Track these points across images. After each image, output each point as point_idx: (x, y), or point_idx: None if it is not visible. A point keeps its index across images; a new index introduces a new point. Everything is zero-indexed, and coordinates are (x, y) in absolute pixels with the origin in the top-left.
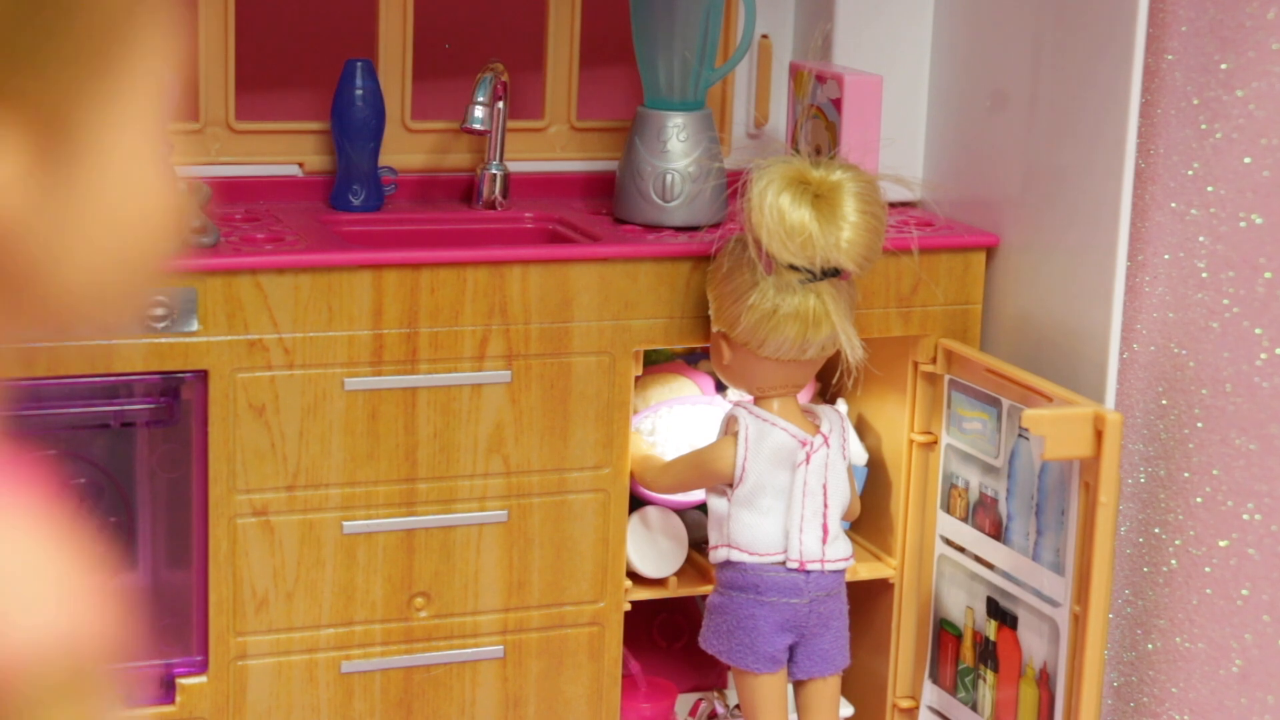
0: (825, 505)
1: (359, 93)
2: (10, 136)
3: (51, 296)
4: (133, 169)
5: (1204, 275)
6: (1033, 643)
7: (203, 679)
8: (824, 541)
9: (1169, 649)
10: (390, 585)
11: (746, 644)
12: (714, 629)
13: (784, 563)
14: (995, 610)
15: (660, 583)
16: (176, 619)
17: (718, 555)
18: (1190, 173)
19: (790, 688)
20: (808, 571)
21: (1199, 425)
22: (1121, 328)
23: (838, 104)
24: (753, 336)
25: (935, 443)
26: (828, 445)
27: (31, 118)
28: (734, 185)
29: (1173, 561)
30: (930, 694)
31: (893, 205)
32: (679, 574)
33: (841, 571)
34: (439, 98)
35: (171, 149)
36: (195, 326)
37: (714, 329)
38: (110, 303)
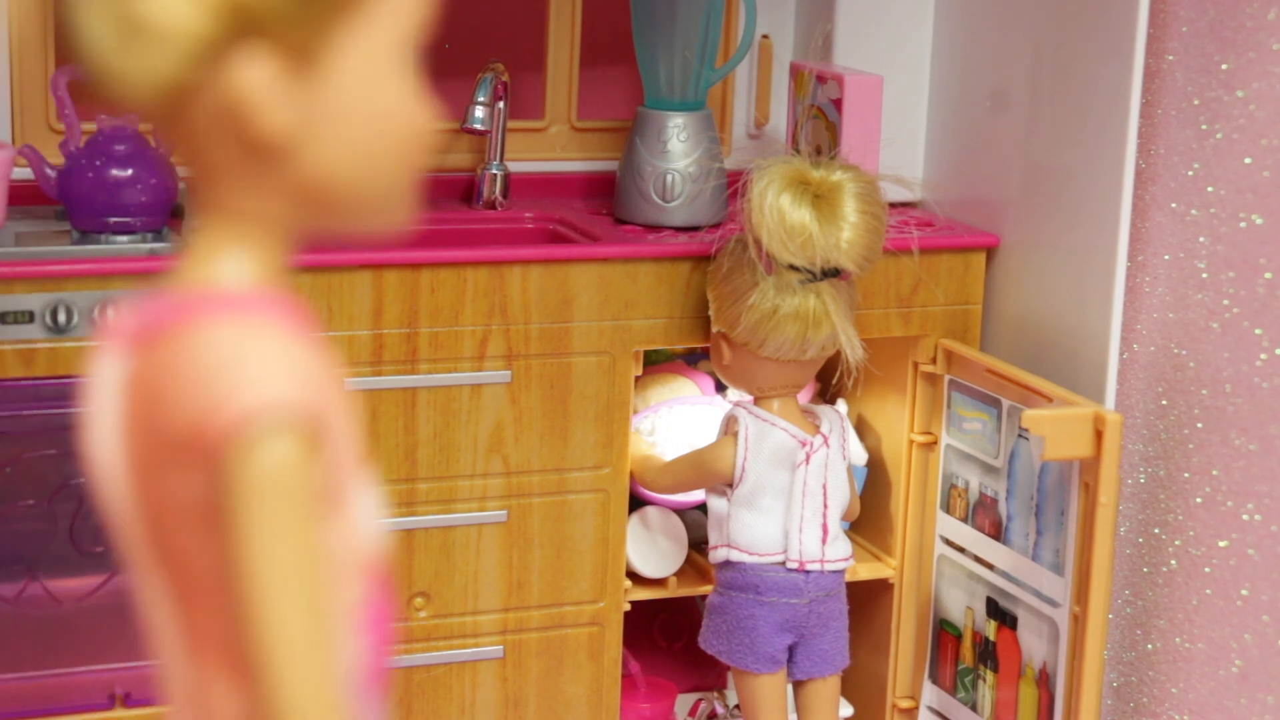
0: (825, 505)
1: None
2: (264, 52)
3: (323, 188)
4: (376, 86)
5: (1204, 276)
6: (1032, 643)
7: None
8: (824, 541)
9: (1169, 649)
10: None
11: (746, 644)
12: (714, 629)
13: (784, 563)
14: (995, 610)
15: (660, 583)
16: None
17: (717, 555)
18: (1190, 173)
19: (790, 688)
20: (807, 571)
21: (1199, 425)
22: (1121, 328)
23: (838, 104)
24: (753, 336)
25: (935, 443)
26: (827, 445)
27: (286, 38)
28: (734, 185)
29: (1172, 562)
30: (930, 694)
31: (893, 205)
32: (679, 574)
33: (841, 571)
34: (439, 98)
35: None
36: None
37: (714, 329)
38: (372, 200)
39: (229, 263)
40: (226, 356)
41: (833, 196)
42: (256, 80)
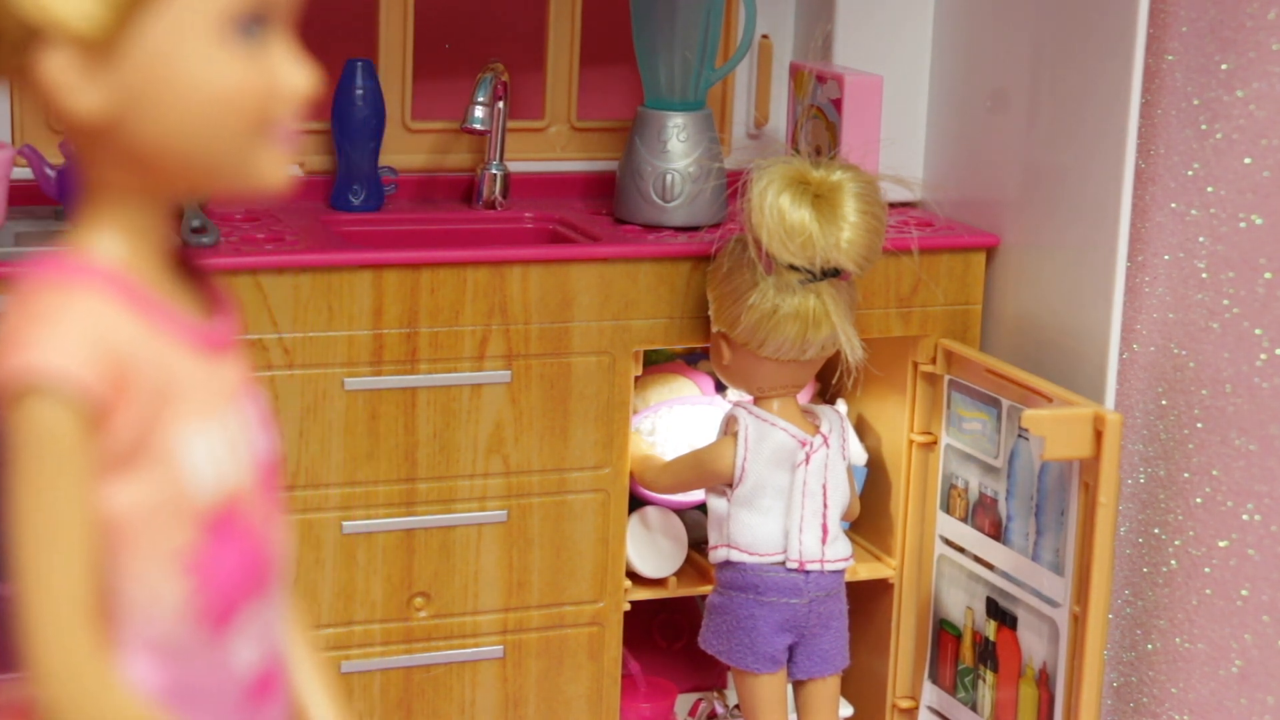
0: (825, 505)
1: (359, 93)
2: (62, 40)
3: (158, 157)
4: (187, 59)
5: (1204, 276)
6: (1032, 643)
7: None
8: (824, 541)
9: (1169, 649)
10: (390, 585)
11: (746, 644)
12: (714, 629)
13: (784, 563)
14: (995, 610)
15: (660, 583)
16: None
17: (717, 555)
18: (1190, 173)
19: (790, 688)
20: (807, 572)
21: (1199, 426)
22: (1121, 328)
23: (838, 104)
24: (753, 336)
25: (935, 443)
26: (827, 445)
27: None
28: (734, 185)
29: (1172, 562)
30: (930, 694)
31: (893, 205)
32: (679, 574)
33: (841, 572)
34: (439, 98)
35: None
36: None
37: (714, 329)
38: (216, 163)
39: (93, 232)
40: (35, 317)
41: (833, 196)
42: (59, 68)
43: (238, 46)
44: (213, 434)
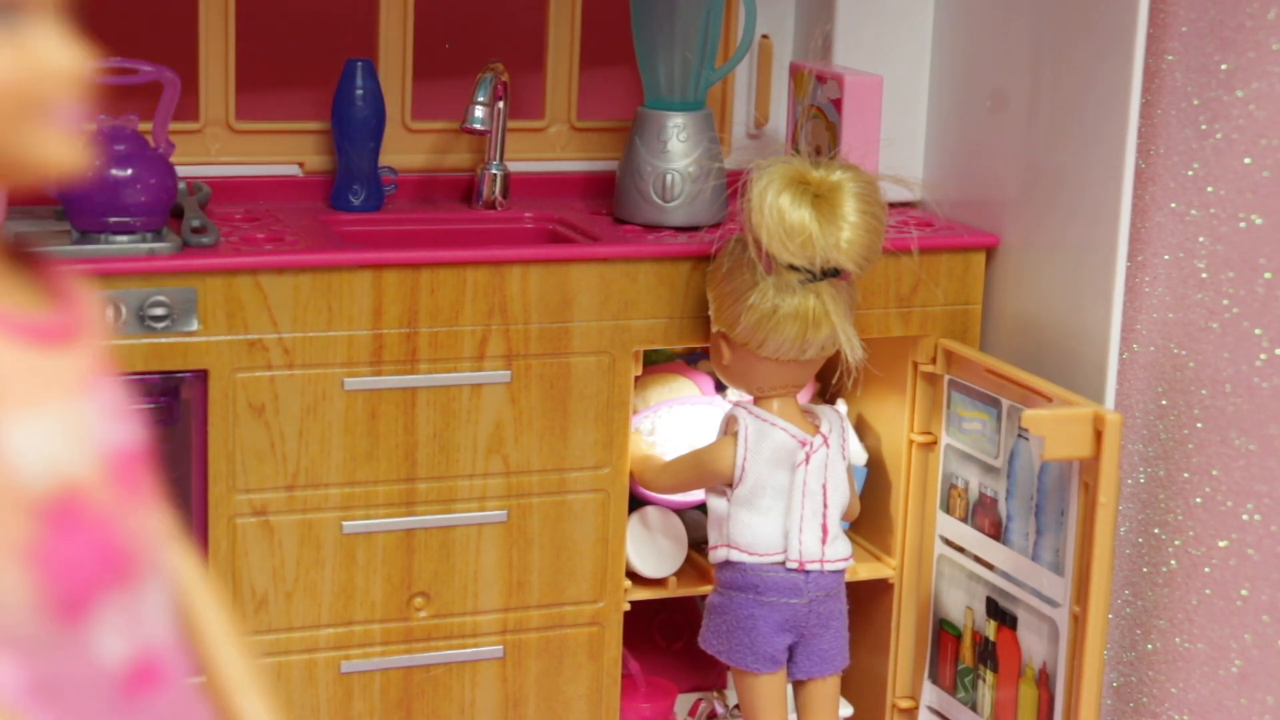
0: (825, 505)
1: (359, 93)
2: None
3: None
4: None
5: (1204, 275)
6: (1032, 643)
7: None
8: (823, 541)
9: (1169, 649)
10: (390, 585)
11: (746, 644)
12: (714, 629)
13: (783, 563)
14: (995, 610)
15: (660, 583)
16: None
17: (717, 555)
18: (1190, 173)
19: (790, 688)
20: (807, 571)
21: (1199, 426)
22: (1121, 328)
23: (838, 104)
24: (752, 336)
25: (935, 443)
26: (827, 445)
27: None
28: (734, 185)
29: (1172, 562)
30: (930, 694)
31: (893, 205)
32: (679, 574)
33: (841, 571)
34: (439, 98)
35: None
36: (195, 326)
37: (714, 329)
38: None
39: None
40: None
41: (832, 196)
42: None
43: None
44: (44, 424)
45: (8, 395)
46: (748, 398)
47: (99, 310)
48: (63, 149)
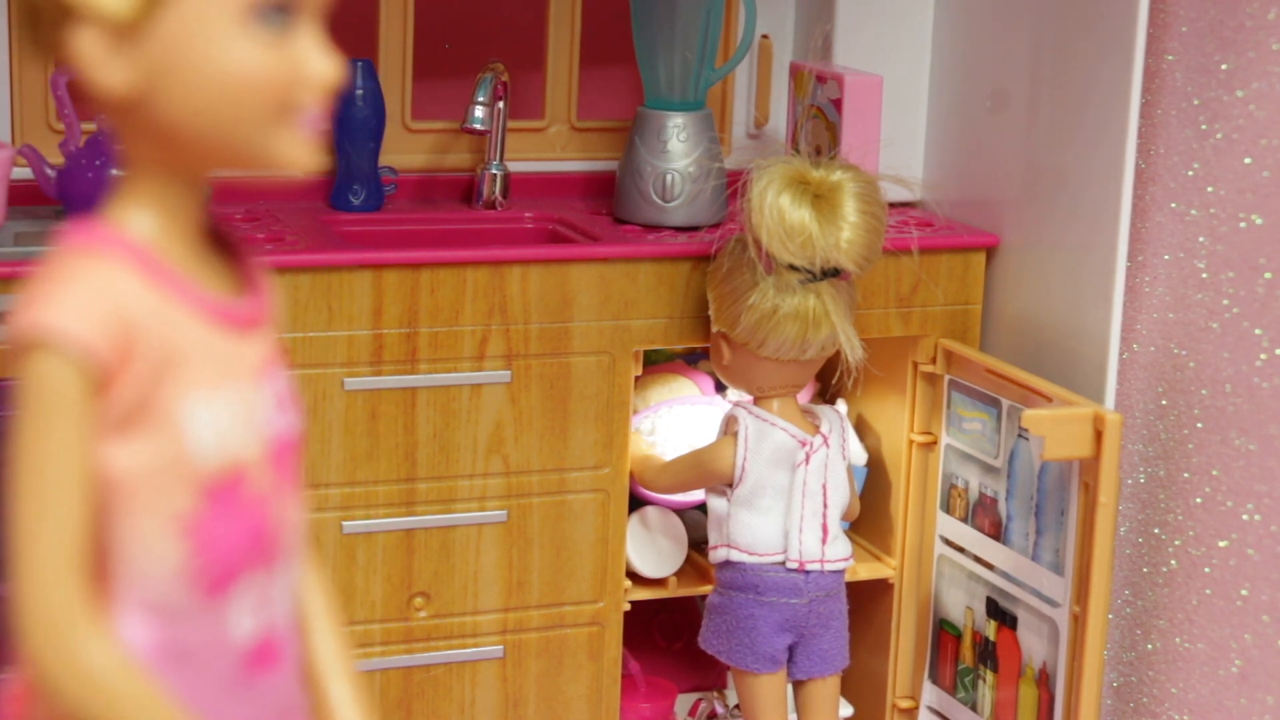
0: (825, 505)
1: (359, 93)
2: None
3: (182, 134)
4: (211, 42)
5: (1204, 275)
6: (1032, 643)
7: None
8: (824, 541)
9: (1169, 649)
10: (390, 585)
11: (746, 644)
12: (714, 629)
13: (784, 563)
14: (995, 610)
15: (660, 583)
16: None
17: (717, 555)
18: (1190, 173)
19: (790, 688)
20: (807, 572)
21: (1199, 426)
22: (1121, 328)
23: (838, 104)
24: (752, 336)
25: (935, 443)
26: (827, 445)
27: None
28: (734, 185)
29: (1172, 562)
30: (930, 694)
31: (893, 205)
32: (679, 574)
33: (841, 571)
34: (439, 98)
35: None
36: None
37: (714, 329)
38: (238, 142)
39: (125, 205)
40: (52, 280)
41: (832, 196)
42: (87, 46)
43: (259, 33)
44: (220, 405)
45: (193, 375)
46: (748, 398)
47: (279, 301)
48: (302, 151)
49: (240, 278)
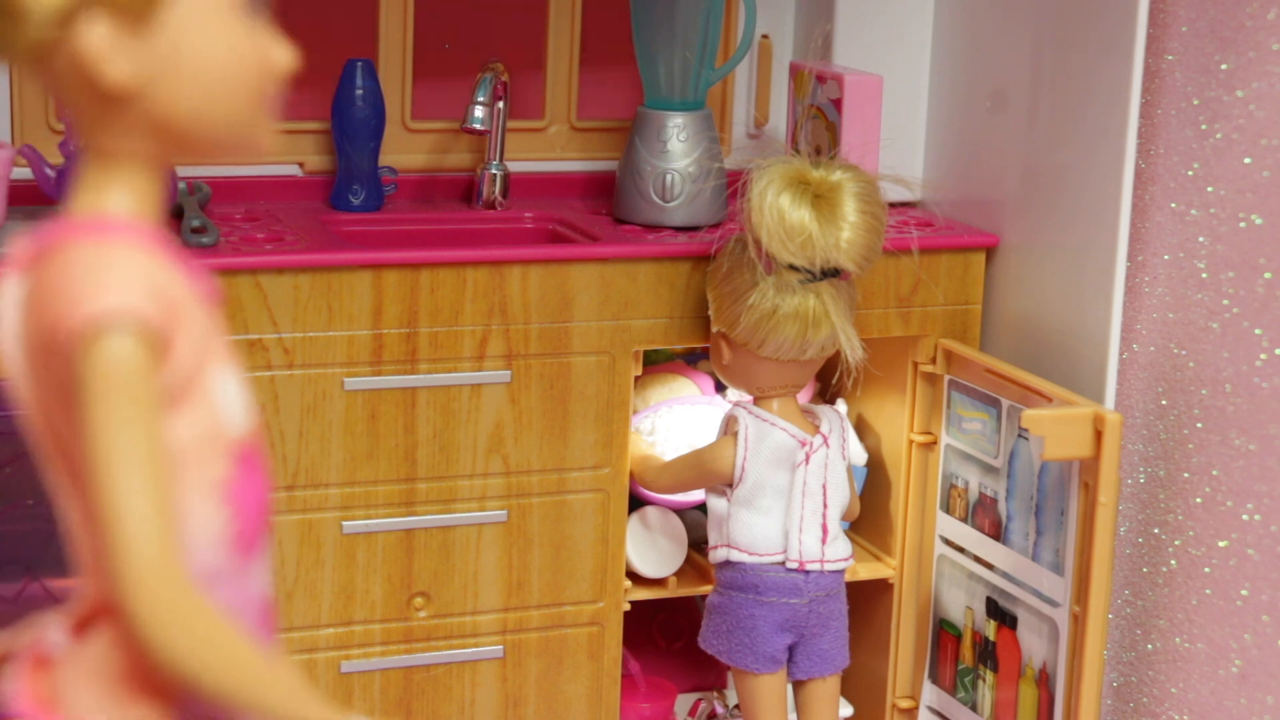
0: (825, 505)
1: (359, 93)
2: (103, 14)
3: (174, 126)
4: (211, 35)
5: (1204, 275)
6: (1032, 643)
7: None
8: (823, 542)
9: (1169, 649)
10: (390, 585)
11: (746, 644)
12: (714, 629)
13: (783, 563)
14: (995, 610)
15: (660, 583)
16: None
17: (717, 555)
18: (1190, 173)
19: (790, 688)
20: (807, 572)
21: (1199, 425)
22: (1121, 328)
23: (838, 104)
24: (752, 336)
25: (935, 443)
26: (827, 445)
27: (120, 2)
28: (734, 185)
29: (1172, 562)
30: (930, 694)
31: (893, 205)
32: (679, 574)
33: (841, 572)
34: (439, 98)
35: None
36: None
37: (714, 329)
38: (222, 132)
39: (104, 195)
40: (86, 269)
41: (832, 196)
42: (97, 38)
43: (243, 25)
44: (232, 376)
45: (214, 349)
46: (748, 398)
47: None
48: (270, 133)
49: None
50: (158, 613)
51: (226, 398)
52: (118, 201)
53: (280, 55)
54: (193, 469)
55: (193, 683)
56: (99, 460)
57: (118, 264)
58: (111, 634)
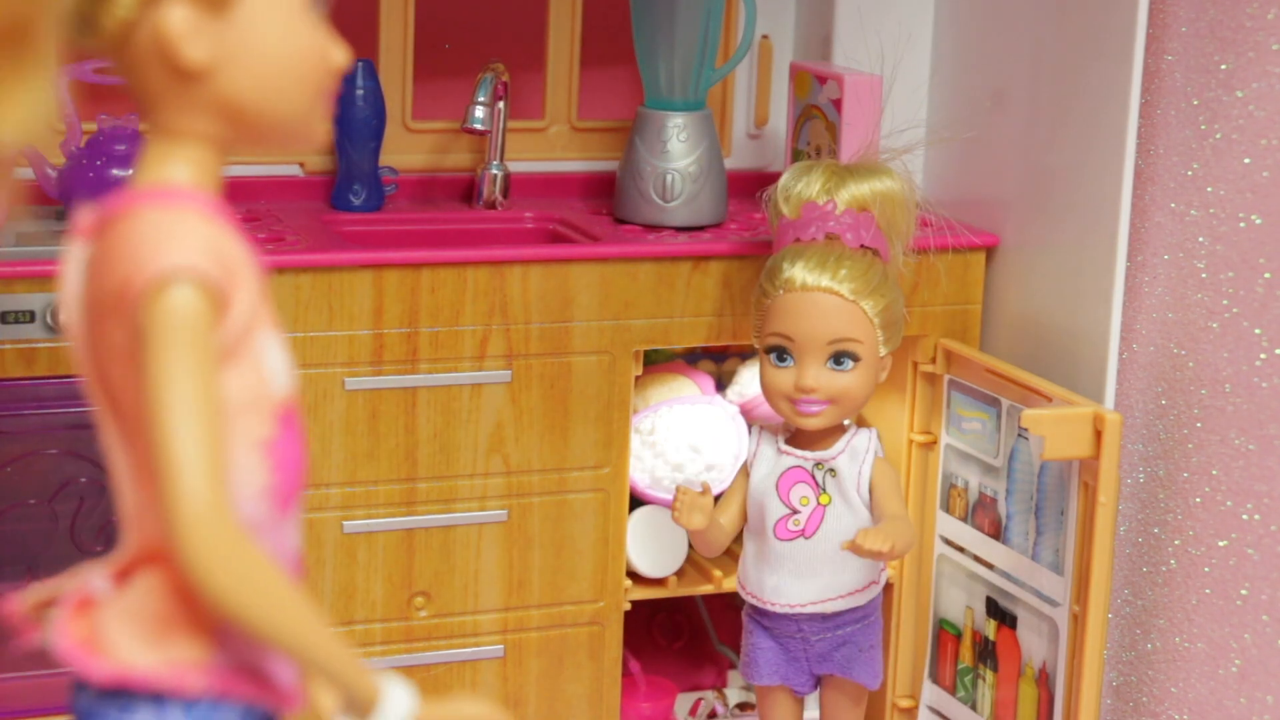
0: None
1: (359, 93)
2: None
3: (239, 109)
4: (282, 27)
5: (1204, 275)
6: (1032, 642)
7: None
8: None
9: (1168, 649)
10: (390, 585)
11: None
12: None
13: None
14: (995, 610)
15: (660, 582)
16: None
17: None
18: (1190, 173)
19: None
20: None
21: (1198, 425)
22: (1121, 328)
23: (838, 104)
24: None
25: (935, 443)
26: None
27: None
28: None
29: (1172, 561)
30: (930, 693)
31: None
32: (679, 573)
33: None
34: (439, 98)
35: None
36: None
37: (884, 351)
38: (284, 119)
39: (168, 168)
40: (152, 231)
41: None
42: (179, 19)
43: (308, 21)
44: (277, 341)
45: (264, 312)
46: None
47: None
48: (324, 125)
49: None
50: (209, 551)
51: (272, 361)
52: (181, 173)
53: (337, 53)
54: (241, 425)
55: (239, 619)
56: (159, 407)
57: (181, 226)
58: (152, 579)
